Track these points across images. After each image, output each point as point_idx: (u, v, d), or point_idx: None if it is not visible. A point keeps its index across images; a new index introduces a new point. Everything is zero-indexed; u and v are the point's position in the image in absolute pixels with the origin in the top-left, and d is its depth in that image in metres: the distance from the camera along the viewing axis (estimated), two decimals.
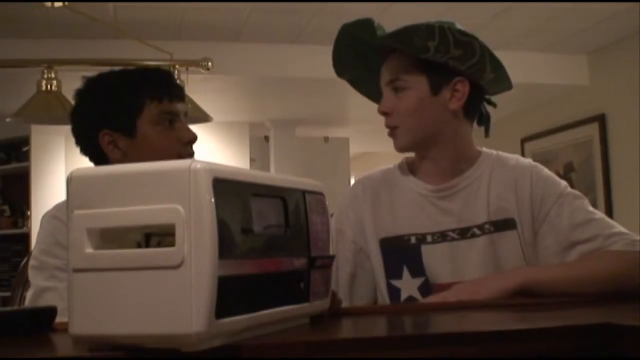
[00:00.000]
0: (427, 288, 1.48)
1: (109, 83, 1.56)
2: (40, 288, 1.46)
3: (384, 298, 1.52)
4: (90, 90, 1.56)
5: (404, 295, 1.50)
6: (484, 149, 1.60)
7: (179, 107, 1.56)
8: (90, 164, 1.56)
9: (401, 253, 1.51)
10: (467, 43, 1.47)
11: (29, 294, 1.48)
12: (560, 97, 5.54)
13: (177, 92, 1.57)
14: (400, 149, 1.56)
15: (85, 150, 1.58)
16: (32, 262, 1.51)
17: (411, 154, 1.62)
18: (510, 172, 1.55)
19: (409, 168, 1.61)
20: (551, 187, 1.53)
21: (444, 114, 1.51)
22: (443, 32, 1.45)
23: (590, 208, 1.51)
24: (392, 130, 1.55)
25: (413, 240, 1.51)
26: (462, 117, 1.54)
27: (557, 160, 5.54)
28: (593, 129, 5.19)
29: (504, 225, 1.51)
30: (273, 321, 0.86)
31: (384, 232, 1.53)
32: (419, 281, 1.49)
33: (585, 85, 5.27)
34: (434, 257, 1.49)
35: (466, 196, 1.53)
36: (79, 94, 1.57)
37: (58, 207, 1.56)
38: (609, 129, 5.10)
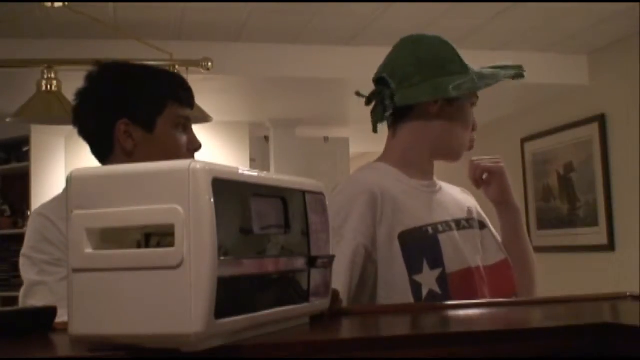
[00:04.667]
0: (443, 279, 1.48)
1: (134, 74, 1.58)
2: (31, 282, 1.49)
3: (408, 297, 1.46)
4: (110, 76, 1.57)
5: (424, 291, 1.46)
6: None
7: (191, 114, 1.61)
8: (90, 161, 1.56)
9: (421, 245, 1.50)
10: (378, 79, 1.59)
11: (22, 289, 1.51)
12: (560, 97, 5.54)
13: (192, 100, 1.62)
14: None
15: (88, 134, 1.57)
16: (22, 260, 1.53)
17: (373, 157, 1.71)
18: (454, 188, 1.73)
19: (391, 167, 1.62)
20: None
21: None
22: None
23: None
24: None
25: (430, 230, 1.52)
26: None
27: (557, 160, 5.54)
28: (593, 129, 5.19)
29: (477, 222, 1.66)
30: (273, 321, 0.86)
31: (401, 227, 1.50)
32: (437, 272, 1.49)
33: (585, 85, 5.26)
34: (449, 246, 1.52)
35: (446, 194, 1.65)
36: (96, 77, 1.56)
37: (45, 205, 1.58)
38: (609, 129, 5.09)
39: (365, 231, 1.48)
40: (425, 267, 1.48)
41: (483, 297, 1.50)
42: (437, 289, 1.47)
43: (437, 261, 1.50)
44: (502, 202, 1.67)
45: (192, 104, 1.61)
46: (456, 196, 1.68)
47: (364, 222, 1.48)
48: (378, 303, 1.49)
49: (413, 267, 1.48)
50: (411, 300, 1.46)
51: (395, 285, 1.47)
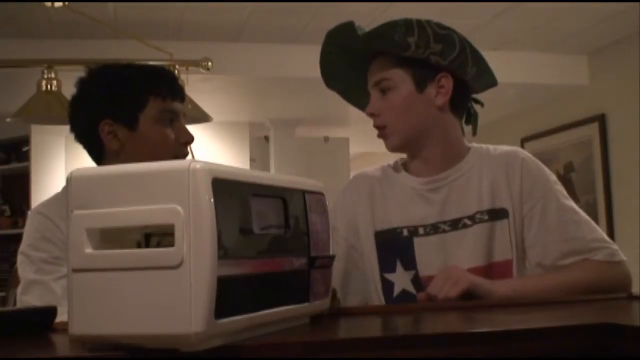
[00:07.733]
0: (417, 281, 1.49)
1: (114, 74, 1.59)
2: (29, 281, 1.49)
3: (378, 292, 1.53)
4: (94, 79, 1.58)
5: (397, 289, 1.51)
6: (474, 144, 1.61)
7: (180, 107, 1.59)
8: (90, 161, 1.57)
9: (394, 246, 1.52)
10: (446, 36, 1.49)
11: (19, 288, 1.52)
12: (560, 97, 5.54)
13: (179, 92, 1.60)
14: (392, 149, 1.57)
15: (81, 138, 1.59)
16: (20, 258, 1.54)
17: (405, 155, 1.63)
18: (501, 161, 1.55)
19: (403, 165, 1.62)
20: (541, 178, 1.54)
21: (431, 110, 1.53)
22: (421, 26, 1.47)
23: (577, 208, 1.53)
24: (382, 131, 1.56)
25: (405, 232, 1.52)
26: (449, 113, 1.55)
27: (557, 160, 5.54)
28: (593, 129, 5.19)
29: (497, 214, 1.51)
30: (273, 321, 0.86)
31: (378, 226, 1.55)
32: (411, 274, 1.50)
33: (585, 85, 5.26)
34: (426, 250, 1.50)
35: (457, 188, 1.54)
36: (82, 82, 1.58)
37: (43, 203, 1.60)
38: (609, 129, 5.09)
39: (349, 227, 1.56)
40: (399, 267, 1.51)
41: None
42: (411, 289, 1.50)
43: (410, 264, 1.50)
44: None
45: (178, 96, 1.59)
46: (474, 185, 1.53)
47: (346, 216, 1.57)
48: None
49: (385, 266, 1.53)
50: (380, 294, 1.52)
51: (367, 278, 1.55)
